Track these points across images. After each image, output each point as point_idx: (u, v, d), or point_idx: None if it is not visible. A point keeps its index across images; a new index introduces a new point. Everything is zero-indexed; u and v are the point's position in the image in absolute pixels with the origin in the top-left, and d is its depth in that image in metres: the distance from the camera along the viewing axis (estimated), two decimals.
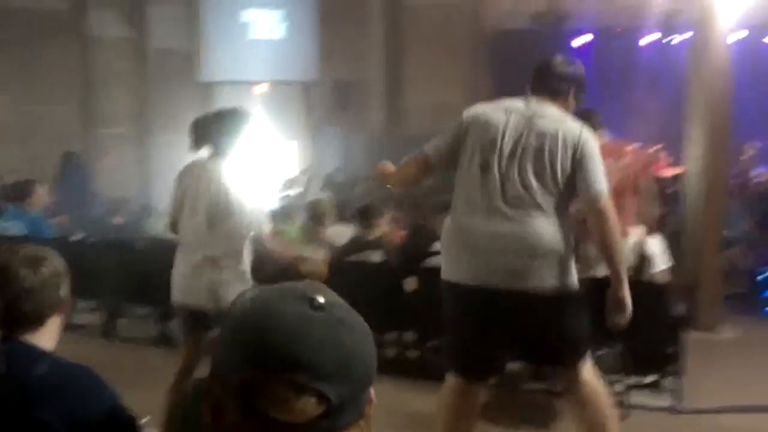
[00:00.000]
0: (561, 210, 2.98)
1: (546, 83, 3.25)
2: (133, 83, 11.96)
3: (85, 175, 8.58)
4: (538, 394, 4.79)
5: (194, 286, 3.64)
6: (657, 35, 13.79)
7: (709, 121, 6.62)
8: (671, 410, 4.48)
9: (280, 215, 7.62)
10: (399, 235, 5.73)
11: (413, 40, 14.79)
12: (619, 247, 3.02)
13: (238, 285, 3.48)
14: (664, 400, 4.58)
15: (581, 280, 3.14)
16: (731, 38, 7.03)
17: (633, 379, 4.49)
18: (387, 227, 5.07)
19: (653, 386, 4.67)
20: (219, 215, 3.63)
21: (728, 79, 6.64)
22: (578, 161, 2.95)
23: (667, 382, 4.62)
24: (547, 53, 13.61)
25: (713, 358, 5.45)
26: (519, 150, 2.98)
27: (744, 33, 10.01)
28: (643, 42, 14.01)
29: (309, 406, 0.80)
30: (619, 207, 3.47)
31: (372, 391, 0.89)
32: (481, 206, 2.99)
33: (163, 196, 10.45)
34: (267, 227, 3.76)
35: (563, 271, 2.97)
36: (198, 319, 3.67)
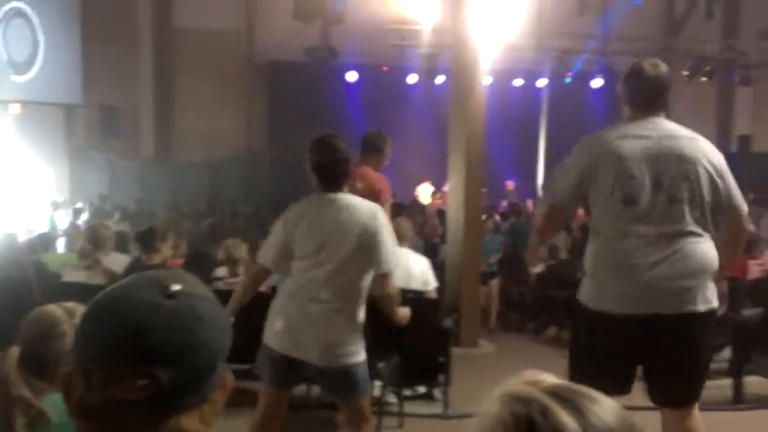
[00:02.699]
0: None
1: (662, 96, 3.02)
2: None
3: None
4: None
5: None
6: (416, 76, 14.83)
7: (467, 155, 7.28)
8: (442, 416, 4.87)
9: (43, 242, 7.11)
10: (177, 262, 5.63)
11: (184, 66, 14.55)
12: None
13: None
14: (435, 408, 4.97)
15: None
16: (485, 81, 7.84)
17: (408, 391, 4.81)
18: (168, 252, 4.97)
19: (425, 396, 5.05)
20: None
21: (483, 119, 7.37)
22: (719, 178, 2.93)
23: (437, 392, 5.01)
24: (321, 86, 14.08)
25: (475, 370, 5.98)
26: (662, 176, 2.88)
27: (490, 79, 11.11)
28: (409, 80, 14.99)
29: (139, 386, 0.86)
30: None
31: (229, 377, 0.95)
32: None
33: None
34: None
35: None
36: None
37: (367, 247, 3.14)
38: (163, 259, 4.82)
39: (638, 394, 3.00)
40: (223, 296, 3.22)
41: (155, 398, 0.87)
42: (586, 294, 3.00)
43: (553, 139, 14.72)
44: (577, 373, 3.02)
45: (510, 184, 14.99)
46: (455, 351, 5.29)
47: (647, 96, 2.97)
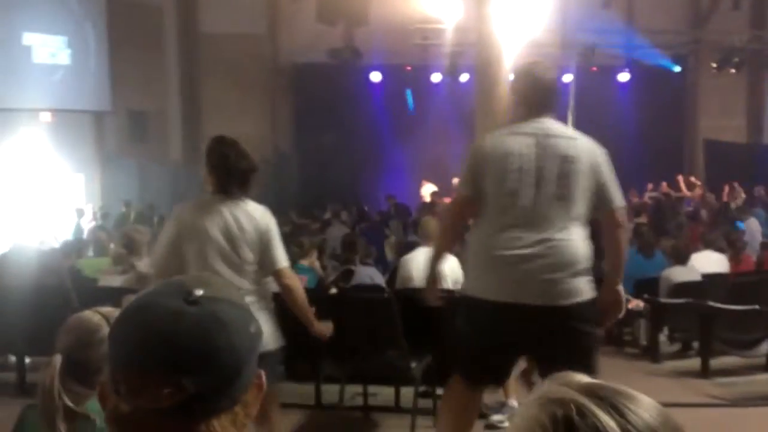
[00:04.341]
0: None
1: (551, 99, 3.20)
2: None
3: None
4: None
5: None
6: (440, 75, 14.82)
7: None
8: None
9: (76, 247, 7.22)
10: None
11: (210, 70, 14.69)
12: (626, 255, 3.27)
13: None
14: None
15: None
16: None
17: (441, 390, 4.79)
18: None
19: None
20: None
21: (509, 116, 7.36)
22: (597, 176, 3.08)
23: None
24: (345, 87, 14.14)
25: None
26: (544, 173, 3.02)
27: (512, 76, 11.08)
28: (433, 79, 14.99)
29: (165, 396, 0.87)
30: None
31: (262, 379, 0.96)
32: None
33: None
34: None
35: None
36: None
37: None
38: None
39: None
40: None
41: (183, 405, 0.88)
42: (466, 281, 3.20)
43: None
44: (455, 359, 3.20)
45: None
46: None
47: (538, 97, 3.12)
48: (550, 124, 3.11)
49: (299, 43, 14.39)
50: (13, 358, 6.03)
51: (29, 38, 12.19)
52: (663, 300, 6.30)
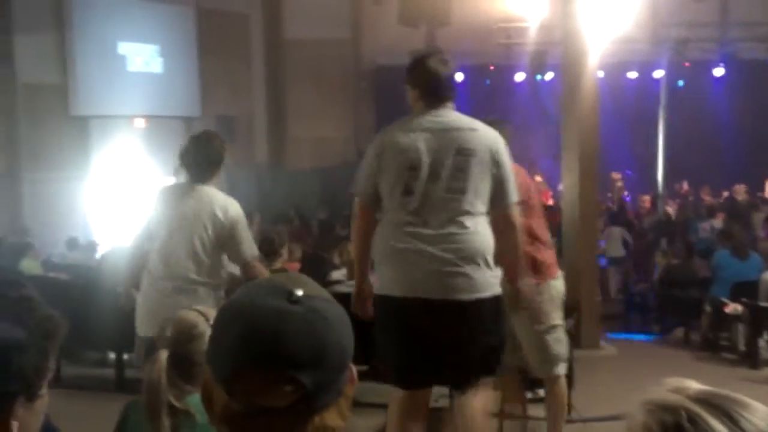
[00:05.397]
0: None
1: (447, 90, 3.14)
2: (1, 119, 11.36)
3: None
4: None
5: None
6: (523, 74, 14.61)
7: (581, 151, 7.11)
8: (565, 420, 4.73)
9: None
10: (294, 266, 5.77)
11: (294, 74, 14.94)
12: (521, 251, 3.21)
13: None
14: None
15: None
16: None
17: (529, 394, 4.71)
18: (286, 256, 5.10)
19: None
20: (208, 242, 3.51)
21: (596, 113, 7.18)
22: (496, 169, 3.02)
23: None
24: None
25: (597, 373, 5.81)
26: (440, 167, 2.97)
27: (601, 73, 10.81)
28: (516, 78, 14.80)
29: (285, 393, 0.89)
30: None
31: (354, 371, 0.97)
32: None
33: (39, 234, 10.03)
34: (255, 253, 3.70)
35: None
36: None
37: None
38: (282, 263, 4.96)
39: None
40: (343, 299, 3.29)
41: (299, 401, 0.89)
42: (377, 280, 3.18)
43: (674, 131, 14.09)
44: (384, 362, 3.16)
45: (617, 176, 14.28)
46: (575, 353, 5.15)
47: (431, 89, 3.07)
48: (448, 117, 3.05)
49: (381, 46, 14.46)
50: (112, 355, 6.30)
51: (124, 47, 12.72)
52: (763, 304, 6.02)
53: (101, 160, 12.19)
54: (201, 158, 3.59)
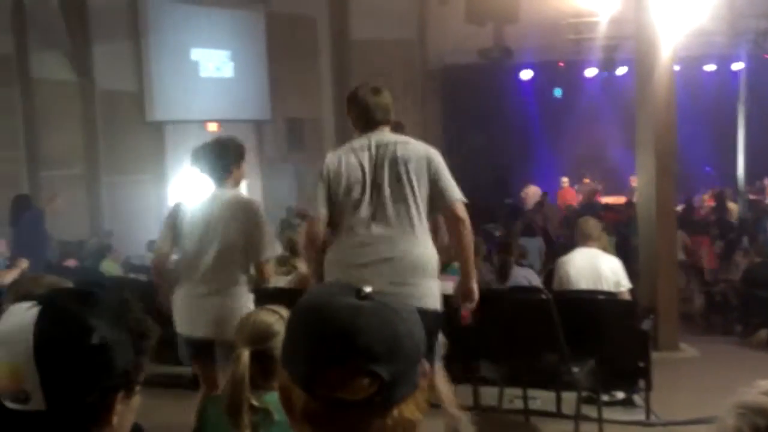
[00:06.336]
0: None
1: (379, 116, 3.50)
2: (80, 125, 11.80)
3: (37, 219, 8.39)
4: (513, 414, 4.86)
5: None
6: (594, 70, 14.29)
7: (657, 148, 6.90)
8: (644, 424, 4.62)
9: None
10: None
11: (361, 75, 14.99)
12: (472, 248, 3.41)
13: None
14: (636, 415, 4.72)
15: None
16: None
17: (605, 396, 4.61)
18: None
19: (625, 402, 4.81)
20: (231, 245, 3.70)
21: (672, 108, 6.95)
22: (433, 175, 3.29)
23: (638, 398, 4.76)
24: (494, 87, 14.06)
25: (677, 375, 5.63)
26: (380, 181, 3.26)
27: (677, 67, 10.50)
28: (587, 74, 14.50)
29: (364, 386, 0.90)
30: None
31: (426, 364, 0.98)
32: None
33: (119, 236, 10.37)
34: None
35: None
36: (201, 349, 3.65)
37: None
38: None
39: None
40: None
41: (377, 394, 0.91)
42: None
43: (755, 126, 13.57)
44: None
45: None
46: (654, 355, 5.00)
47: (364, 120, 3.45)
48: (381, 135, 3.39)
49: (448, 45, 14.39)
50: None
51: (196, 53, 13.04)
52: None
53: (176, 163, 12.53)
54: (214, 163, 3.87)
